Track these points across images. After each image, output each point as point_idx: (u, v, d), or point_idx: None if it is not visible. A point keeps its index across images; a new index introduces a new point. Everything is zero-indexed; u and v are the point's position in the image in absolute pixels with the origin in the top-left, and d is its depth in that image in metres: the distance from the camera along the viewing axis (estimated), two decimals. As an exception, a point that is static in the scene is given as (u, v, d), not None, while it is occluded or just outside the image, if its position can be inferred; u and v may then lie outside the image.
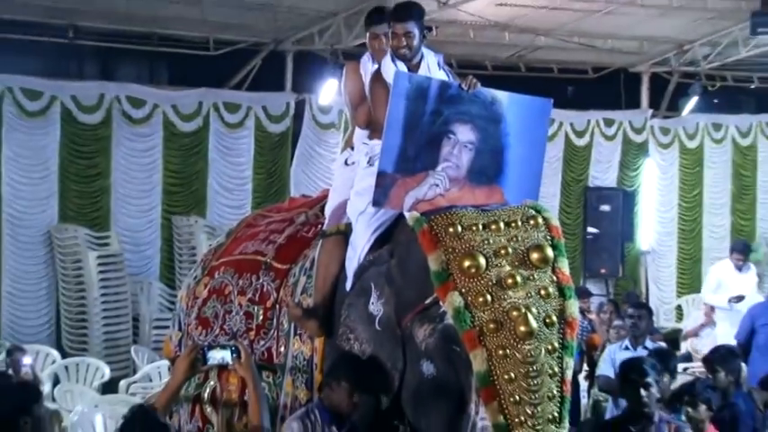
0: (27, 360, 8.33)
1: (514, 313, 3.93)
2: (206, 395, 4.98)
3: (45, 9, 10.69)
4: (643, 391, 4.86)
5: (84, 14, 10.98)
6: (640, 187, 14.41)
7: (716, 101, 15.21)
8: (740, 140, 15.26)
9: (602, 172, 14.22)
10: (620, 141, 14.32)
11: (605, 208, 13.49)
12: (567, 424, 3.99)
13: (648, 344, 7.18)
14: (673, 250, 14.71)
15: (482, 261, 4.04)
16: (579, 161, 14.01)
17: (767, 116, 15.40)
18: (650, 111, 14.62)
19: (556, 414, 3.87)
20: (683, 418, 5.49)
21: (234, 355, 4.28)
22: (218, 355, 4.26)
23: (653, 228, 14.43)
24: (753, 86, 15.02)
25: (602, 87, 14.40)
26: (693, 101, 14.16)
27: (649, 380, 4.95)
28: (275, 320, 5.06)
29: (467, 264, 4.03)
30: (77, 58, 12.30)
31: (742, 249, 11.03)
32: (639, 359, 5.71)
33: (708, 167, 15.00)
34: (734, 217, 15.13)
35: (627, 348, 6.98)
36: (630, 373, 5.09)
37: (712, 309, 10.21)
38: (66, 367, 9.88)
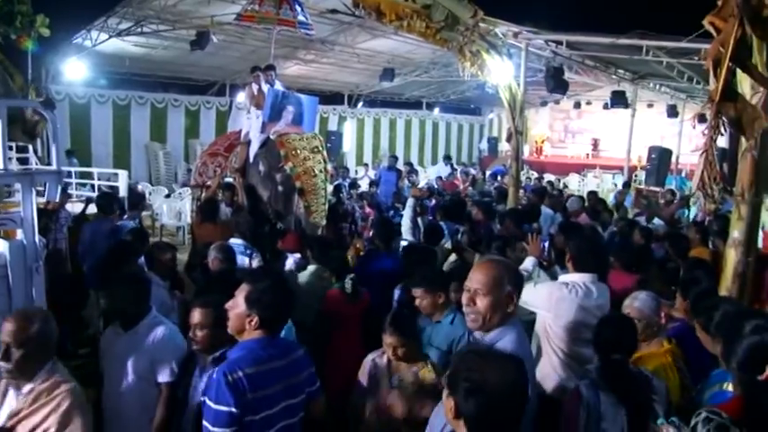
0: (140, 188, 11.90)
1: (310, 169, 5.96)
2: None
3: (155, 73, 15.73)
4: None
5: (172, 73, 16.18)
6: (344, 131, 20.14)
7: (371, 105, 21.05)
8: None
9: (334, 126, 19.87)
10: (338, 116, 20.49)
11: (333, 138, 16.92)
12: (327, 206, 6.15)
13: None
14: (360, 154, 20.84)
15: (298, 151, 5.97)
16: (324, 122, 19.29)
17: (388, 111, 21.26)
18: (347, 106, 19.98)
19: (324, 200, 6.13)
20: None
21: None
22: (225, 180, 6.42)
23: (349, 143, 20.34)
24: (384, 100, 20.81)
25: (335, 98, 20.00)
26: (360, 104, 20.45)
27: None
28: (225, 172, 7.25)
29: (293, 152, 5.95)
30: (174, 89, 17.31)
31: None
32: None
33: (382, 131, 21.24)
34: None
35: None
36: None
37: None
38: (153, 189, 13.50)
